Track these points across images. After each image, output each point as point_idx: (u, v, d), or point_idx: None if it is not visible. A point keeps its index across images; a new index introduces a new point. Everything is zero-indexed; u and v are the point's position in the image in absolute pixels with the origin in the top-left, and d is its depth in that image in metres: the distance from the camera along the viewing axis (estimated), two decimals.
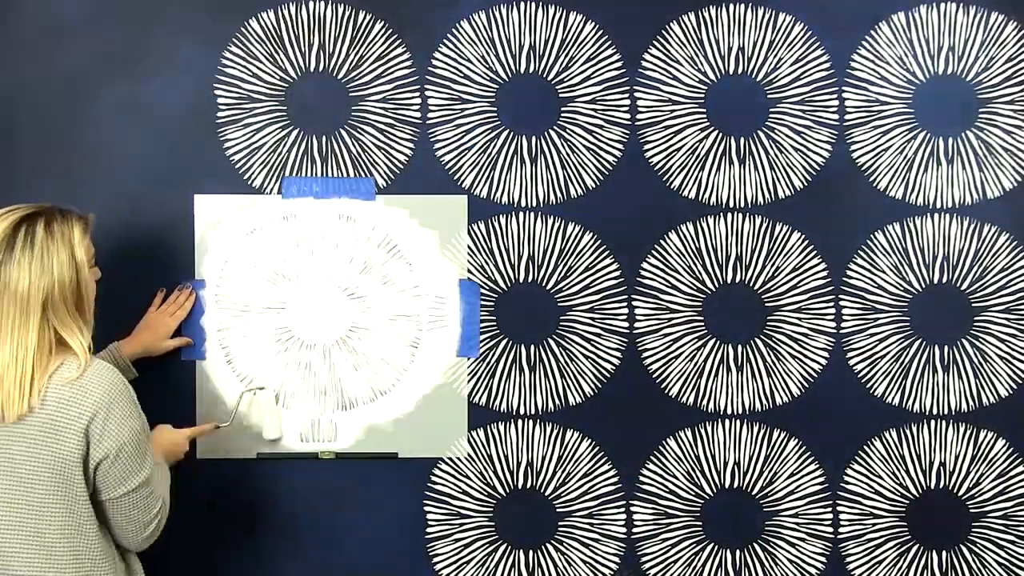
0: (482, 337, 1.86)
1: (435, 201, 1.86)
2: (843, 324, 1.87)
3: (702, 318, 1.87)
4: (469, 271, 1.86)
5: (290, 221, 1.85)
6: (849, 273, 1.87)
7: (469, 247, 1.86)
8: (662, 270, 1.87)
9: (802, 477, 1.87)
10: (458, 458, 1.85)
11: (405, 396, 1.86)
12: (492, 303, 1.86)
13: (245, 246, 1.85)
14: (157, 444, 1.58)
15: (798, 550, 1.88)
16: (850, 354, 1.87)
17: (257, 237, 1.85)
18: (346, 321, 1.85)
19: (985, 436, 1.87)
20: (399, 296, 1.86)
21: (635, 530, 1.88)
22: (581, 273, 1.87)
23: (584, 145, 1.87)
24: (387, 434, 1.85)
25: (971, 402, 1.87)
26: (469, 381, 1.86)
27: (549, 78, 1.88)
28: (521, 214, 1.87)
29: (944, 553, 1.88)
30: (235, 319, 1.84)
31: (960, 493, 1.87)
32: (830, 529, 1.88)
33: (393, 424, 1.85)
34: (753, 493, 1.88)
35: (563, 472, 1.87)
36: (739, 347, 1.87)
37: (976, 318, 1.87)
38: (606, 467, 1.87)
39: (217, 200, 1.84)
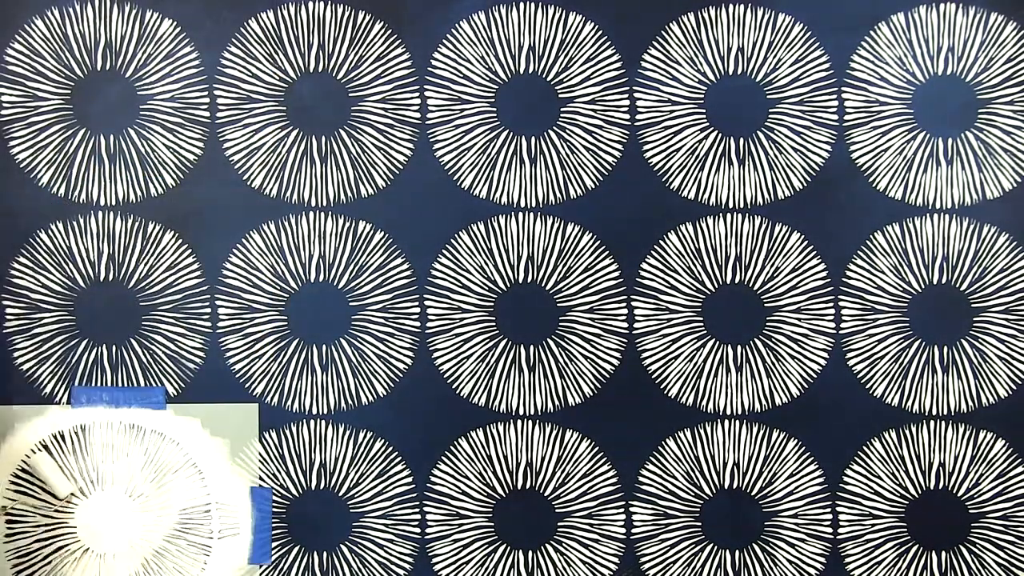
0: (481, 338, 1.86)
1: (226, 410, 1.83)
2: (843, 325, 1.87)
3: (702, 319, 1.88)
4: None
5: (79, 431, 1.81)
6: (848, 274, 1.87)
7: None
8: (661, 270, 1.87)
9: (802, 477, 1.87)
10: None
11: None
12: (492, 303, 1.86)
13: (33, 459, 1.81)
14: None
15: (797, 550, 1.88)
16: (850, 354, 1.87)
17: (46, 448, 1.81)
18: (135, 530, 1.81)
19: (985, 437, 1.87)
20: (190, 505, 1.82)
21: (634, 530, 1.88)
22: (580, 273, 1.87)
23: (584, 145, 1.87)
24: None
25: (971, 403, 1.87)
26: None
27: (548, 78, 1.88)
28: (521, 214, 1.87)
29: (944, 554, 1.88)
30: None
31: (960, 493, 1.87)
32: (829, 530, 1.88)
33: None
34: (752, 493, 1.88)
35: (562, 472, 1.87)
36: (739, 347, 1.87)
37: (976, 319, 1.87)
38: (605, 467, 1.87)
39: (4, 411, 1.79)
